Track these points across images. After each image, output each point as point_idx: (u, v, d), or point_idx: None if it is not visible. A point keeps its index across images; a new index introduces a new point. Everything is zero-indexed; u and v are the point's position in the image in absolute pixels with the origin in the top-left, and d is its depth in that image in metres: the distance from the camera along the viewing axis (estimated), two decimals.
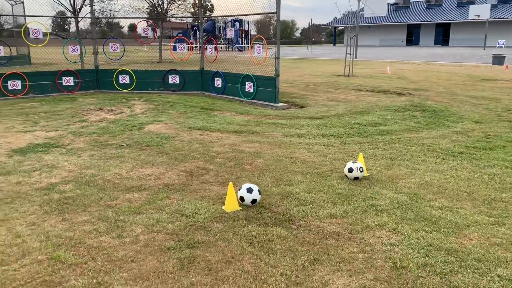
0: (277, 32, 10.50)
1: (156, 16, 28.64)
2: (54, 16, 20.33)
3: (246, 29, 46.73)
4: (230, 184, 4.11)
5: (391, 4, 60.92)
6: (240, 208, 4.13)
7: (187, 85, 13.23)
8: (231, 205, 4.11)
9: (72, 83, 12.71)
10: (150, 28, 13.51)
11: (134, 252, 3.29)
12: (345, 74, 18.94)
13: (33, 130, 7.58)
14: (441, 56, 33.44)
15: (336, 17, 75.84)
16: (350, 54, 18.84)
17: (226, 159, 5.80)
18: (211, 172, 5.24)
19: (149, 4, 28.83)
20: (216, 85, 12.66)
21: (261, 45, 11.26)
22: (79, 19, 19.21)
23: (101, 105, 10.49)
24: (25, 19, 24.74)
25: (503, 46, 44.21)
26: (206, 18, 43.12)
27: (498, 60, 23.60)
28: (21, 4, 23.73)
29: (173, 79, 13.23)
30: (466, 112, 9.28)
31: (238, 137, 7.09)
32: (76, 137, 7.04)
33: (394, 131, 7.52)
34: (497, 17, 47.01)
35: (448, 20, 53.01)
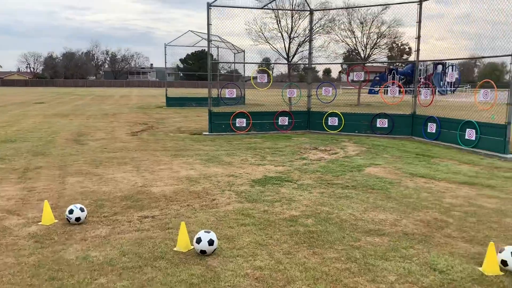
0: (510, 74, 9.44)
1: (353, 61, 29.32)
2: (270, 63, 22.79)
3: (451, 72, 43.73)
4: (491, 244, 3.70)
5: None
6: (502, 273, 3.67)
7: (395, 129, 12.94)
8: (491, 268, 3.69)
9: (286, 123, 13.82)
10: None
11: None
12: None
13: (263, 163, 8.42)
14: None
15: None
16: None
17: (465, 214, 5.32)
18: (451, 226, 4.86)
19: (351, 49, 29.72)
20: (429, 131, 12.02)
21: (488, 90, 10.28)
22: (293, 65, 20.99)
23: (315, 144, 11.05)
24: (244, 65, 28.42)
25: None
26: (416, 61, 42.09)
27: None
28: (242, 52, 27.39)
29: (381, 123, 13.12)
30: None
31: (470, 190, 6.48)
32: (302, 174, 7.51)
33: None
34: None
35: None
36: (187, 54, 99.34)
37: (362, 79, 14.26)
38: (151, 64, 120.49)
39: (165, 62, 27.73)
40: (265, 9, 17.03)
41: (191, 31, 27.38)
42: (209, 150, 9.92)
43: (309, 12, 14.63)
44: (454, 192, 6.35)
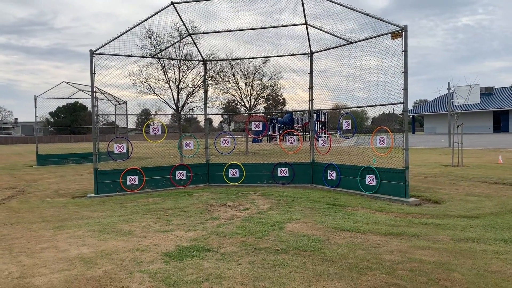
0: (405, 122, 9.90)
1: (234, 111, 29.75)
2: (161, 114, 21.62)
3: (323, 120, 47.22)
4: None
5: None
6: None
7: (296, 178, 12.76)
8: None
9: (184, 177, 12.75)
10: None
11: None
12: (453, 164, 17.59)
13: (171, 229, 7.23)
14: None
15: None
16: (458, 144, 17.64)
17: (411, 272, 4.88)
18: None
19: (233, 100, 30.12)
20: (329, 178, 12.04)
21: (384, 136, 10.67)
22: (183, 116, 20.15)
23: (221, 200, 10.17)
24: (126, 117, 26.71)
25: None
26: (303, 111, 44.22)
27: None
28: (124, 104, 25.76)
29: (283, 172, 12.85)
30: None
31: (400, 242, 6.18)
32: (221, 238, 6.53)
33: None
34: None
35: None
36: (58, 107, 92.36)
37: (261, 129, 13.95)
38: (15, 119, 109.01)
39: (36, 116, 24.64)
40: (155, 58, 16.15)
41: (65, 82, 25.01)
42: (100, 217, 8.36)
43: (202, 62, 14.12)
44: (387, 246, 5.98)
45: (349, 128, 11.81)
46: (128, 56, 12.23)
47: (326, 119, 47.15)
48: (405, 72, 9.60)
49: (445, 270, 4.90)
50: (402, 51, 9.62)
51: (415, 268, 5.02)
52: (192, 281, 4.73)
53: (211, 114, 15.36)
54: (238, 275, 4.89)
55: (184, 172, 12.78)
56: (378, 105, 10.88)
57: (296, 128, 48.57)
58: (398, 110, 10.18)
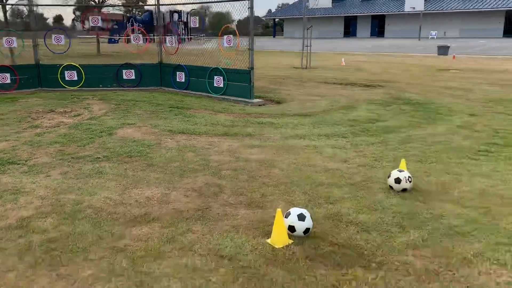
0: (251, 21, 9.58)
1: (87, 6, 26.36)
2: None
3: (185, 20, 45.03)
4: (279, 211, 3.20)
5: None
6: (292, 240, 3.24)
7: (144, 81, 11.92)
8: (280, 238, 3.21)
9: (8, 81, 10.92)
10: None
11: None
12: (303, 67, 18.42)
13: None
14: (385, 47, 34.15)
15: (270, 10, 75.68)
16: (307, 46, 18.31)
17: (235, 171, 4.84)
18: (226, 190, 4.27)
19: None
20: (178, 80, 11.49)
21: (231, 36, 10.27)
22: (9, 7, 16.90)
23: (51, 106, 8.97)
24: None
25: (435, 37, 46.29)
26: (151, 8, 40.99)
27: (443, 50, 24.33)
28: None
29: (128, 74, 11.86)
30: (452, 104, 8.99)
31: (233, 141, 6.13)
32: (35, 149, 5.70)
33: (397, 127, 6.94)
34: (430, 10, 49.17)
35: (384, 12, 54.68)
36: None
37: (100, 25, 12.35)
38: None
39: None
40: None
41: None
42: None
43: None
44: (218, 146, 5.87)
45: (197, 26, 11.11)
46: None
47: (188, 20, 45.03)
48: None
49: (268, 167, 4.97)
50: None
51: (240, 167, 4.99)
52: None
53: (44, 5, 13.05)
54: (42, 188, 4.28)
55: (8, 75, 10.91)
56: (221, 1, 10.36)
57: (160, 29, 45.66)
58: (261, 13, 9.71)
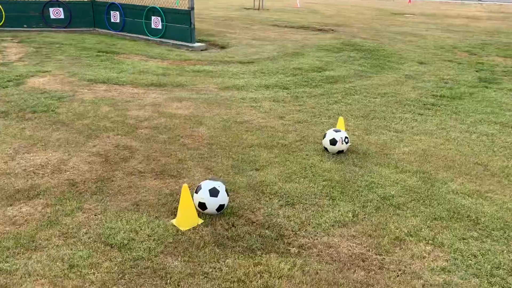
0: None
1: None
2: None
3: None
4: (185, 187, 2.65)
5: None
6: (202, 220, 2.72)
7: (75, 20, 10.66)
8: (187, 218, 2.68)
9: None
10: None
11: None
12: (255, 8, 17.34)
13: None
14: None
15: None
16: None
17: (155, 130, 4.21)
18: (138, 154, 3.66)
19: None
20: (112, 20, 10.35)
21: None
22: None
23: None
24: None
25: None
26: None
27: None
28: None
29: (56, 13, 10.54)
30: (402, 51, 8.57)
31: (160, 93, 5.43)
32: None
33: (342, 77, 6.44)
34: None
35: None
36: None
37: None
38: None
39: None
40: None
41: None
42: None
43: None
44: (142, 99, 5.16)
45: None
46: None
47: None
48: None
49: (193, 125, 4.36)
50: None
51: (161, 124, 4.35)
52: None
53: None
54: None
55: None
56: None
57: None
58: None
